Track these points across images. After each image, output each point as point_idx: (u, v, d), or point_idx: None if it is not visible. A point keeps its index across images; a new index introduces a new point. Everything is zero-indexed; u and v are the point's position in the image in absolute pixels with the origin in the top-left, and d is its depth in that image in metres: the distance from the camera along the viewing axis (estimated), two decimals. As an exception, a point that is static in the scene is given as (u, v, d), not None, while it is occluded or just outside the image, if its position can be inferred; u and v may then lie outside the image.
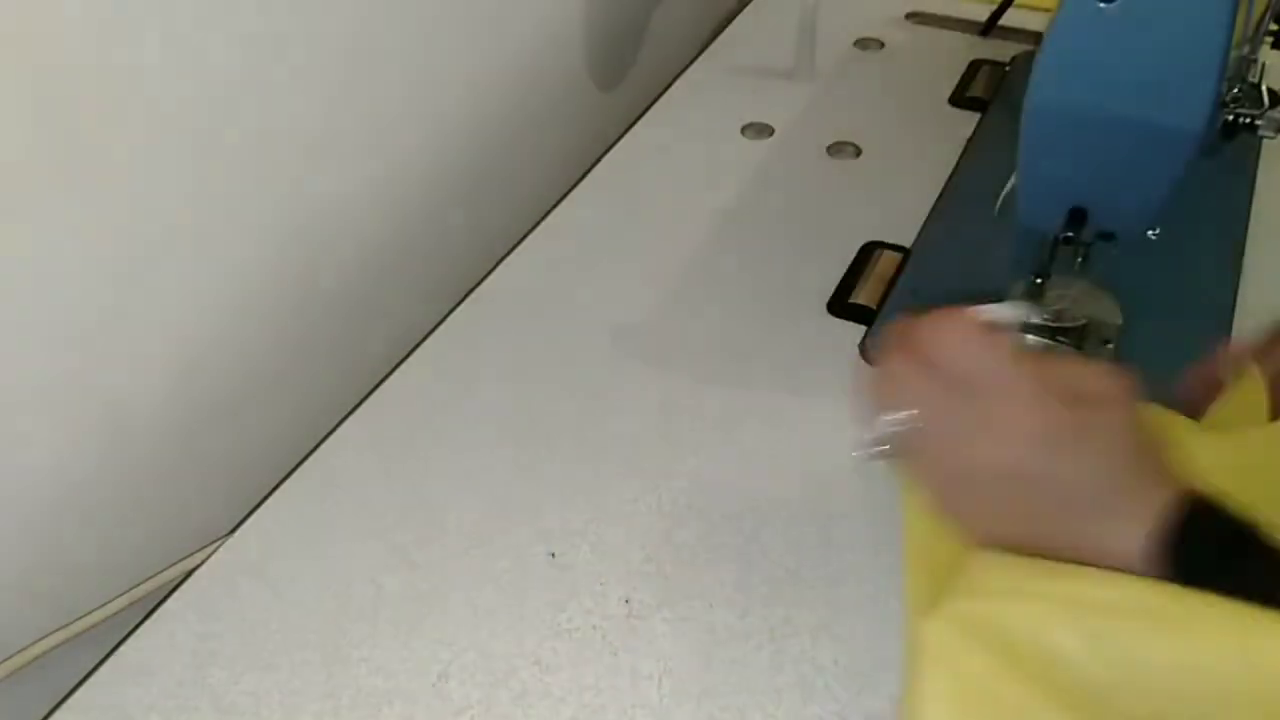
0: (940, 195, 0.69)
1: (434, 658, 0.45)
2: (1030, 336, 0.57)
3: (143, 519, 0.53)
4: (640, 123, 0.79)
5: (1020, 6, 0.86)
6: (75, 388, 0.48)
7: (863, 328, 0.60)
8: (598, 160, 0.74)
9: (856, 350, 0.58)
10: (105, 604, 0.50)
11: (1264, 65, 0.55)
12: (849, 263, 0.64)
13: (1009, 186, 0.56)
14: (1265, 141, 0.69)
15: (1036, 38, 0.85)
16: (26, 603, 0.48)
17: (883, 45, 0.87)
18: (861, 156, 0.74)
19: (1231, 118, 0.50)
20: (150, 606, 0.48)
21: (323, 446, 0.54)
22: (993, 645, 0.33)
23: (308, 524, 0.51)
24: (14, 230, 0.42)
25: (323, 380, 0.63)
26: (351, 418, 0.56)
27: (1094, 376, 0.37)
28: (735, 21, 0.92)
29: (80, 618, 0.49)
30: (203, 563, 0.49)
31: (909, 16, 0.91)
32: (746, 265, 0.65)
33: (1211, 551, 0.33)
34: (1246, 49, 0.52)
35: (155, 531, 0.54)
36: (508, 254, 0.66)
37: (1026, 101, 0.49)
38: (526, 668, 0.44)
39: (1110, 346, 0.57)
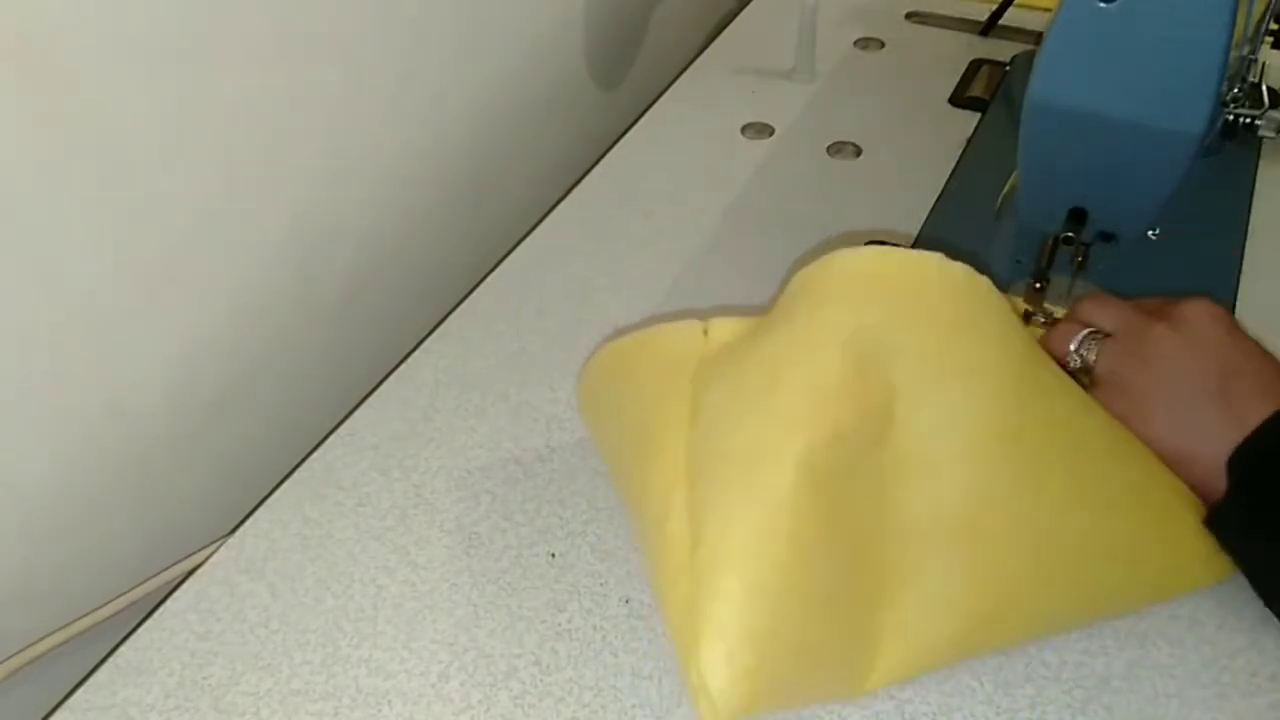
0: (940, 195, 0.69)
1: (434, 658, 0.45)
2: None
3: (143, 519, 0.53)
4: (640, 123, 0.79)
5: (1020, 6, 0.86)
6: (75, 387, 0.48)
7: (863, 328, 0.60)
8: (598, 160, 0.74)
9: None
10: (105, 604, 0.50)
11: (1264, 65, 0.55)
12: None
13: (1009, 186, 0.56)
14: (1265, 141, 0.70)
15: (1036, 38, 0.86)
16: (26, 603, 0.48)
17: (883, 45, 0.87)
18: (861, 156, 0.74)
19: (1231, 118, 0.50)
20: (150, 606, 0.48)
21: (323, 446, 0.54)
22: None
23: (308, 524, 0.51)
24: (14, 230, 0.42)
25: (322, 380, 0.63)
26: (352, 417, 0.56)
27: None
28: (735, 21, 0.92)
29: (80, 618, 0.49)
30: (203, 563, 0.49)
31: (909, 16, 0.91)
32: (746, 265, 0.64)
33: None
34: (1246, 49, 0.52)
35: (155, 531, 0.54)
36: (508, 254, 0.66)
37: (1026, 101, 0.49)
38: (526, 668, 0.44)
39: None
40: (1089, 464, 0.44)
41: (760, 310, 0.60)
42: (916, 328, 0.42)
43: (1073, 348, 0.48)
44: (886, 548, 0.41)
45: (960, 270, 0.43)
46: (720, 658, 0.36)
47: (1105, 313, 0.49)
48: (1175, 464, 0.45)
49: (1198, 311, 0.47)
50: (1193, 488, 0.45)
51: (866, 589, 0.40)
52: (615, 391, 0.48)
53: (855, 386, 0.40)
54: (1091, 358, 0.48)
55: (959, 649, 0.42)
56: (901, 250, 0.43)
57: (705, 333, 0.46)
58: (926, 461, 0.41)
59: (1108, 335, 0.48)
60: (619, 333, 0.60)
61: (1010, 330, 0.44)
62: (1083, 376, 0.48)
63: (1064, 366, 0.48)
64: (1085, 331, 0.48)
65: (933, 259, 0.42)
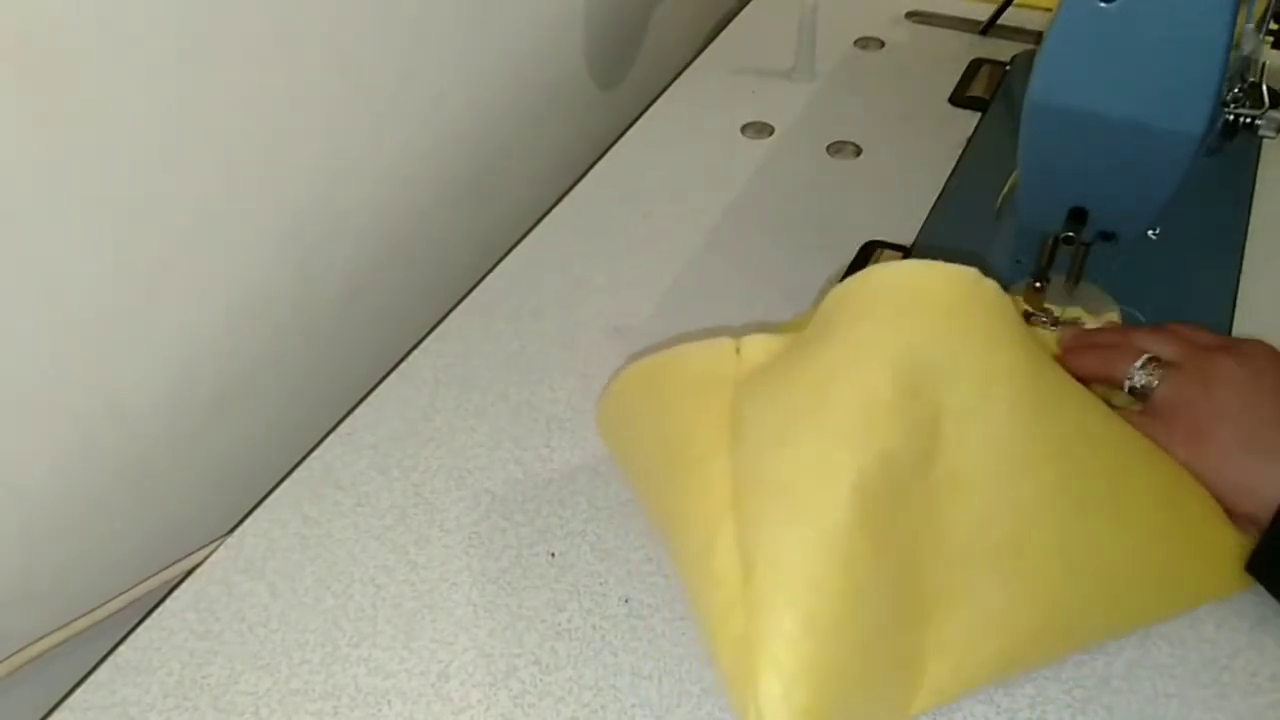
0: (940, 195, 0.69)
1: (434, 658, 0.45)
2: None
3: (142, 519, 0.53)
4: (640, 123, 0.79)
5: (1020, 6, 0.86)
6: (76, 387, 0.48)
7: (863, 328, 0.59)
8: (598, 160, 0.74)
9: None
10: (105, 604, 0.50)
11: (1264, 65, 0.55)
12: (849, 262, 0.64)
13: (1009, 186, 0.56)
14: (1265, 141, 0.70)
15: (1036, 37, 0.86)
16: (26, 603, 0.48)
17: (883, 45, 0.87)
18: (861, 156, 0.74)
19: (1231, 118, 0.50)
20: (150, 606, 0.48)
21: (322, 446, 0.54)
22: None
23: (307, 524, 0.51)
24: (15, 230, 0.42)
25: (322, 380, 0.63)
26: (351, 417, 0.56)
27: None
28: (735, 21, 0.92)
29: (80, 618, 0.49)
30: (203, 563, 0.49)
31: (909, 16, 0.91)
32: (746, 265, 0.64)
33: None
34: (1247, 49, 0.52)
35: (155, 531, 0.54)
36: (508, 254, 0.66)
37: (1026, 101, 0.49)
38: (526, 668, 0.44)
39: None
40: (1123, 475, 0.43)
41: (763, 314, 0.61)
42: (960, 343, 0.41)
43: (1138, 365, 0.48)
44: (932, 569, 0.40)
45: (992, 286, 0.42)
46: (778, 695, 0.36)
47: (1163, 342, 0.49)
48: (1231, 495, 0.45)
49: (1260, 349, 0.47)
50: (1246, 519, 0.45)
51: (913, 612, 0.40)
52: (644, 413, 0.47)
53: (903, 404, 0.39)
54: (1154, 383, 0.47)
55: (1003, 667, 0.42)
56: (939, 264, 0.42)
57: (738, 351, 0.45)
58: (973, 480, 0.40)
59: (1166, 363, 0.48)
60: (619, 332, 0.60)
61: (1037, 346, 0.44)
62: (1116, 397, 0.48)
63: (1105, 388, 0.49)
64: (1147, 357, 0.48)
65: (970, 274, 0.42)
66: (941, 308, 0.42)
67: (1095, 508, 0.42)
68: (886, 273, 0.43)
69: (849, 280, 0.43)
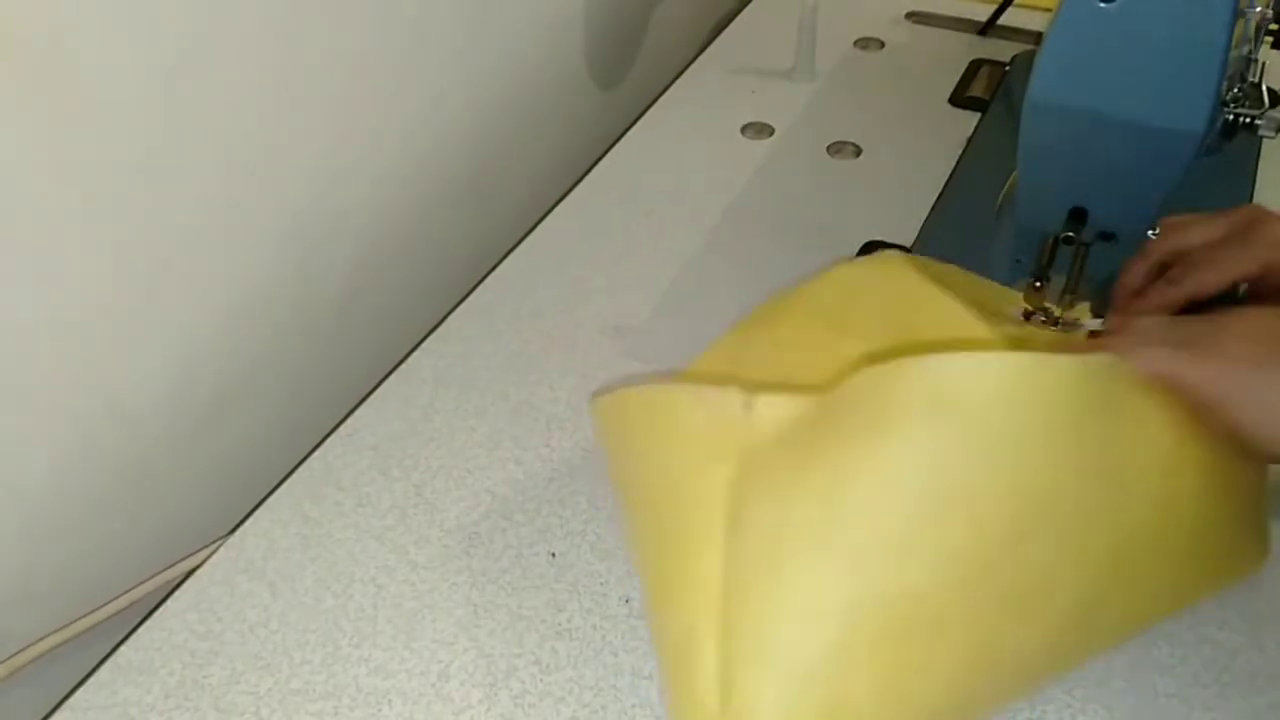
0: (940, 195, 0.69)
1: (434, 658, 0.45)
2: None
3: (143, 519, 0.53)
4: (640, 123, 0.79)
5: (1020, 6, 0.86)
6: (76, 387, 0.48)
7: (863, 328, 0.59)
8: (598, 160, 0.75)
9: (856, 350, 0.58)
10: (105, 604, 0.50)
11: (1264, 65, 0.55)
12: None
13: (1009, 186, 0.56)
14: (1265, 141, 0.70)
15: (1036, 38, 0.86)
16: (26, 603, 0.48)
17: (883, 45, 0.87)
18: (861, 156, 0.74)
19: (1231, 118, 0.50)
20: (150, 606, 0.48)
21: (323, 446, 0.54)
22: None
23: (308, 524, 0.51)
24: (15, 231, 0.42)
25: (322, 380, 0.63)
26: (352, 417, 0.56)
27: None
28: (735, 21, 0.92)
29: (80, 618, 0.49)
30: (203, 563, 0.49)
31: (909, 16, 0.91)
32: (746, 265, 0.65)
33: None
34: (1246, 49, 0.52)
35: (155, 531, 0.54)
36: (507, 254, 0.66)
37: (1026, 101, 0.49)
38: (527, 668, 0.44)
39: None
40: (1169, 526, 0.40)
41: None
42: (996, 450, 0.37)
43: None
44: (993, 688, 0.38)
45: (1054, 368, 0.37)
46: None
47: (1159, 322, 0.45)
48: (1254, 411, 0.40)
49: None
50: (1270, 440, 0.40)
51: None
52: (643, 447, 0.44)
53: (931, 533, 0.36)
54: None
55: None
56: (979, 356, 0.37)
57: (748, 407, 0.40)
58: (1033, 595, 0.37)
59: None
60: (619, 332, 0.60)
61: (1094, 423, 0.38)
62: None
63: None
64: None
65: (1016, 361, 0.37)
66: (977, 411, 0.37)
67: (1144, 575, 0.40)
68: (928, 368, 0.38)
69: (887, 367, 0.38)
